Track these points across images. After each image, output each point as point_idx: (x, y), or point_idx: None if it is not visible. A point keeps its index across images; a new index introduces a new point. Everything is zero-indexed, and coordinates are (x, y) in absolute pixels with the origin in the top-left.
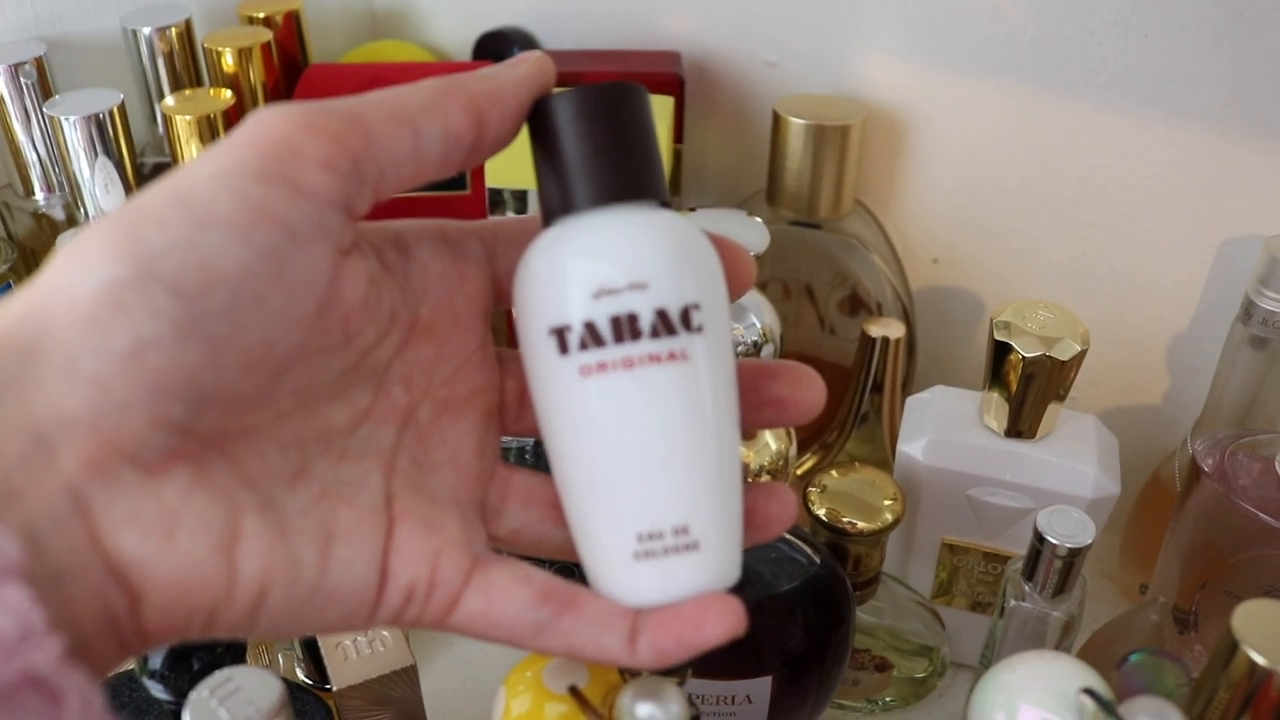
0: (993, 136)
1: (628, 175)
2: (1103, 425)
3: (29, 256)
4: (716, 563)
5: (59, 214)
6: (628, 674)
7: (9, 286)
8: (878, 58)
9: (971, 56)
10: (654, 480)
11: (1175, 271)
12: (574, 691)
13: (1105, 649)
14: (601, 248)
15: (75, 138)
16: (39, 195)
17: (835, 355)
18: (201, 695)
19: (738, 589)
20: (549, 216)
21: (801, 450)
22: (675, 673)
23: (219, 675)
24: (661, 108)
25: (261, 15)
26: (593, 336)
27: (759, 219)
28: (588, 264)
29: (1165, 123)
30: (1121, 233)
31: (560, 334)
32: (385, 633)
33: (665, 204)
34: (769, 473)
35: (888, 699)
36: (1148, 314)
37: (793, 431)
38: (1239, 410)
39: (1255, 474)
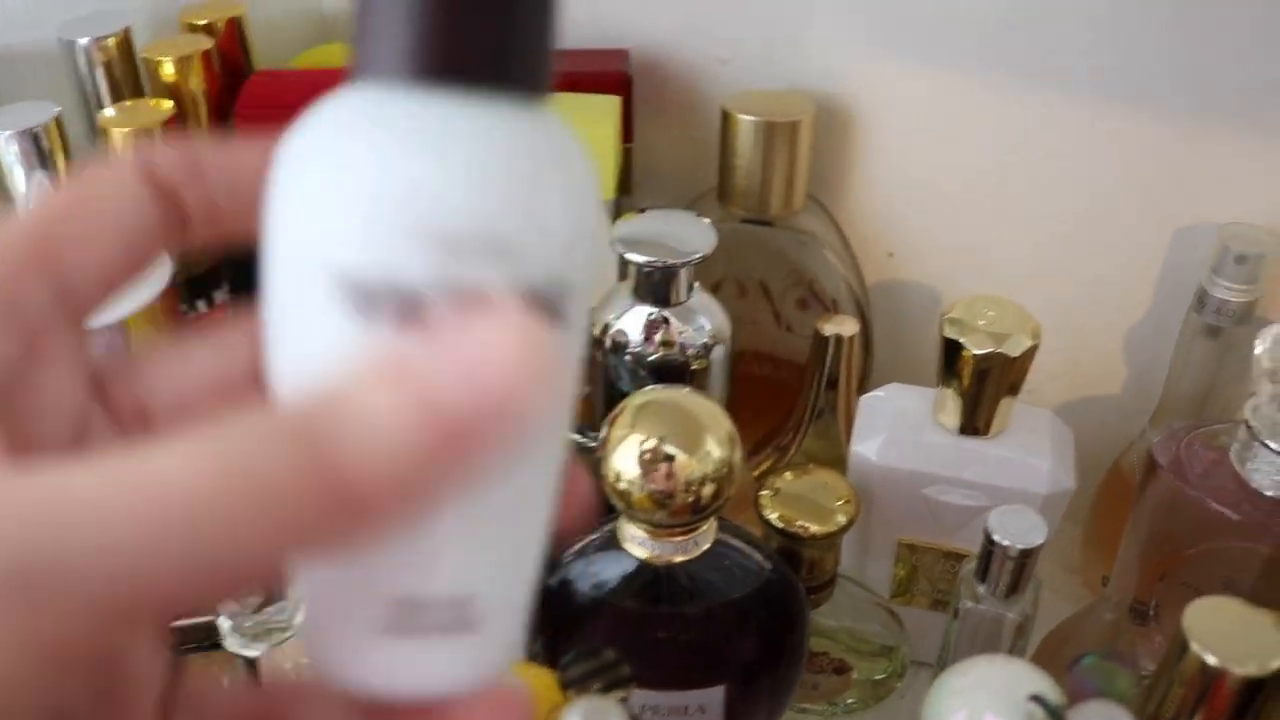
0: (945, 129)
1: (502, 44)
2: (1058, 419)
3: None
4: (497, 648)
5: None
6: (569, 693)
7: None
8: (829, 51)
9: (923, 48)
10: (435, 534)
11: (1130, 262)
12: None
13: (1060, 649)
14: (453, 162)
15: (10, 152)
16: None
17: (792, 353)
18: None
19: (688, 598)
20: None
21: (757, 451)
22: (617, 687)
23: None
24: (609, 107)
25: (203, 22)
26: (408, 309)
27: (707, 219)
28: (432, 185)
29: (1118, 113)
30: (1076, 224)
31: (362, 293)
32: None
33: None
34: (714, 481)
35: (849, 701)
36: (1105, 305)
37: (736, 436)
38: (1195, 400)
39: (1210, 465)
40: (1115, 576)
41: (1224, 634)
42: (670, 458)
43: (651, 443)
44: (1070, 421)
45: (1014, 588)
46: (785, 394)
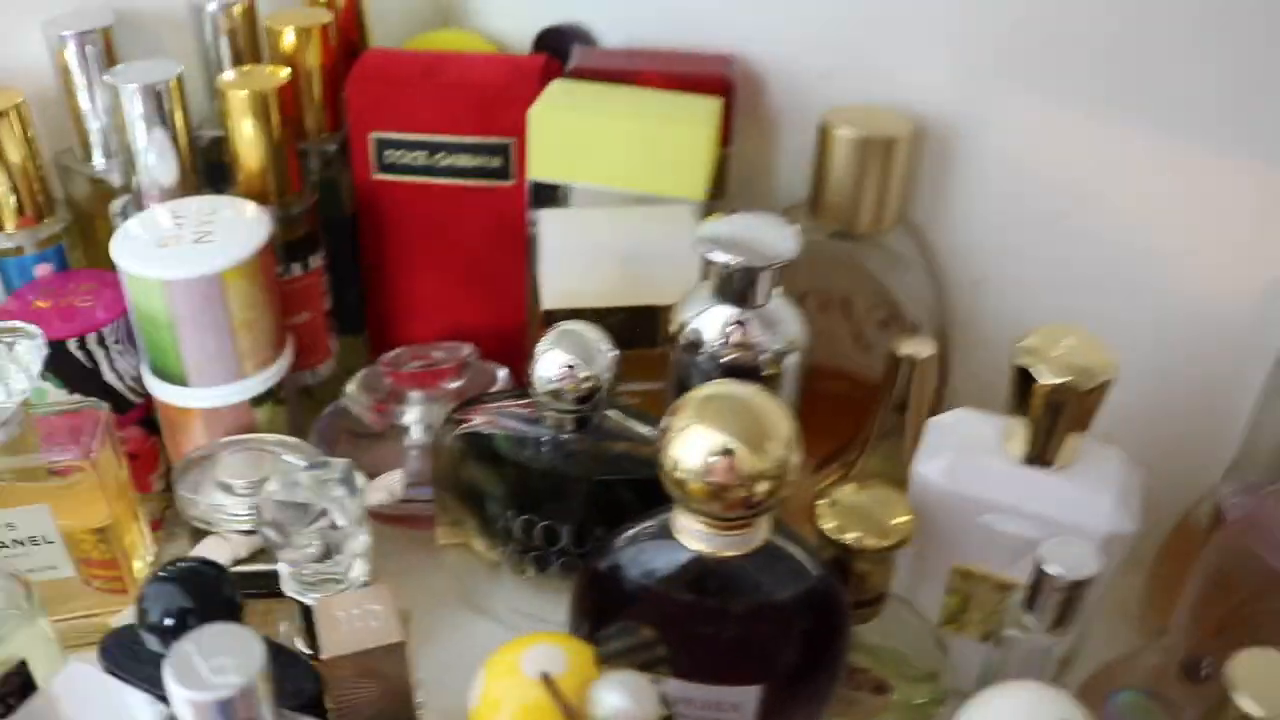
0: (1044, 157)
1: None
2: (1128, 460)
3: (85, 220)
4: None
5: (115, 180)
6: (605, 667)
7: (62, 247)
8: (932, 72)
9: (1028, 74)
10: None
11: (1221, 307)
12: (546, 679)
13: (1103, 688)
14: None
15: (132, 106)
16: (96, 160)
17: (868, 372)
18: (185, 648)
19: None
20: None
21: (822, 466)
22: (653, 667)
23: (205, 631)
24: (710, 107)
25: None
26: None
27: (793, 226)
28: None
29: (1222, 154)
30: (1169, 264)
31: None
32: (377, 606)
33: None
34: (770, 479)
35: None
36: (1190, 349)
37: (798, 437)
38: (1274, 456)
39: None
40: (1172, 628)
41: (1270, 686)
42: (729, 451)
43: (712, 434)
44: (1141, 466)
45: (1061, 620)
46: (857, 413)
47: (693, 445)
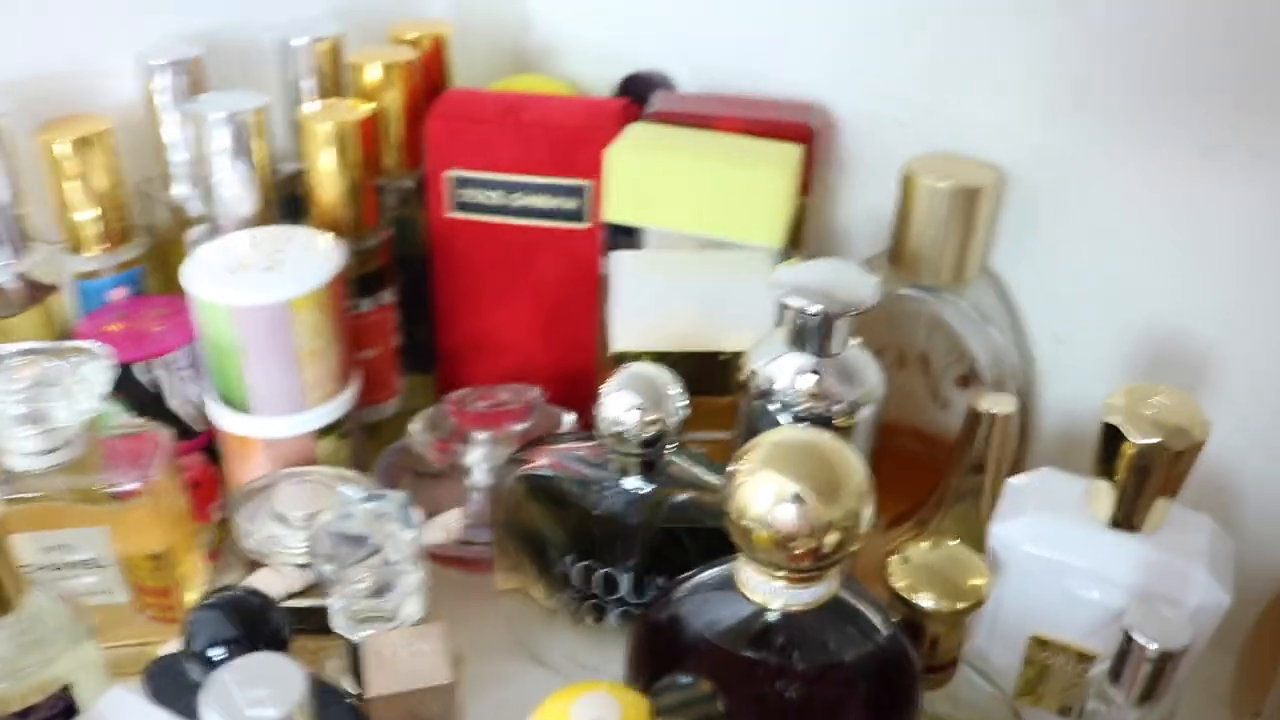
0: (1130, 213)
1: None
2: (1220, 529)
3: (164, 248)
4: None
5: (195, 209)
6: (659, 718)
7: (141, 271)
8: (1014, 121)
9: (1112, 124)
10: None
11: None
12: None
13: None
14: None
15: (213, 136)
16: (177, 189)
17: (945, 431)
18: (223, 677)
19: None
20: None
21: (895, 525)
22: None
23: (246, 660)
24: (790, 154)
25: (410, 37)
26: None
27: (870, 275)
28: None
29: None
30: (1262, 325)
31: None
32: (426, 646)
33: None
34: (840, 530)
35: None
36: None
37: (871, 488)
38: None
39: None
40: (1267, 710)
41: None
42: (799, 498)
43: (781, 481)
44: (1236, 538)
45: (1148, 694)
46: (933, 472)
47: (761, 491)
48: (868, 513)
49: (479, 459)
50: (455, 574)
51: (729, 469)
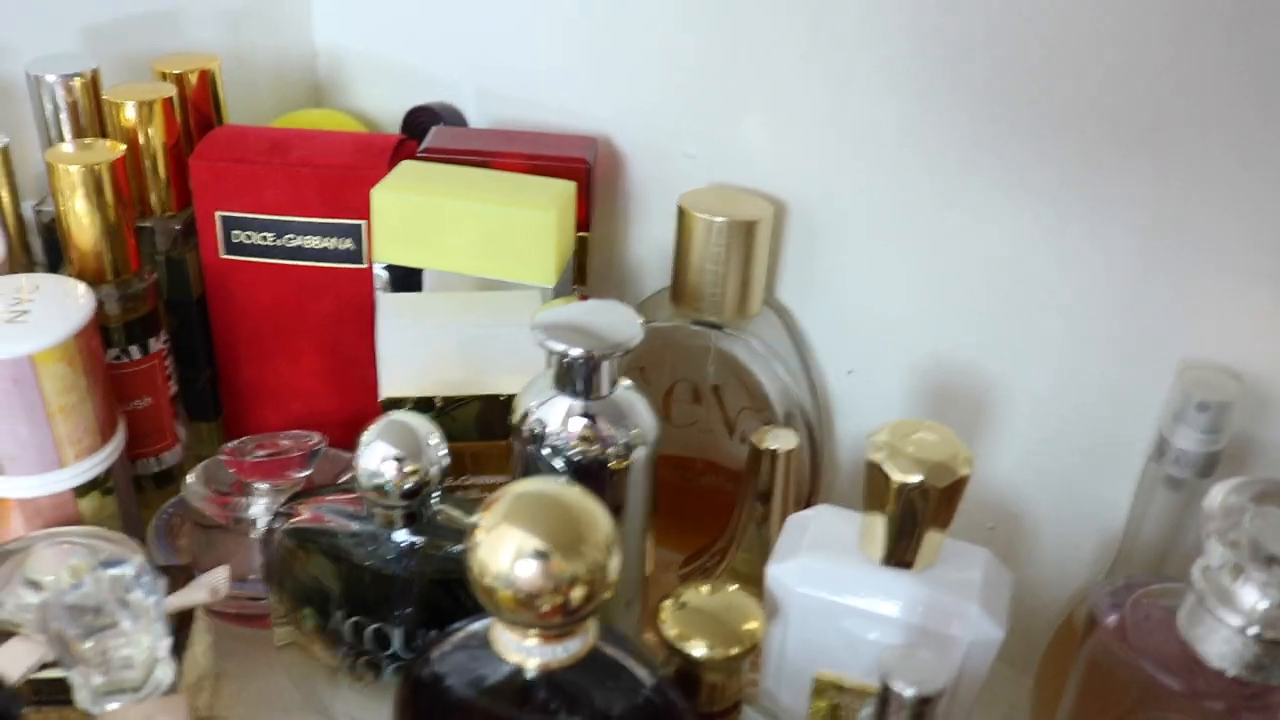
0: (907, 242)
1: None
2: (996, 560)
3: None
4: None
5: None
6: None
7: None
8: (795, 155)
9: (892, 155)
10: None
11: (1094, 396)
12: None
13: None
14: None
15: None
16: None
17: (743, 464)
18: None
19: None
20: None
21: (687, 564)
22: None
23: None
24: (564, 191)
25: (176, 71)
26: None
27: (636, 314)
28: None
29: (1099, 233)
30: (1038, 354)
31: None
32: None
33: None
34: (585, 583)
35: None
36: (1069, 443)
37: (615, 536)
38: (1155, 554)
39: (1155, 627)
40: None
41: None
42: (539, 554)
43: (520, 537)
44: (1026, 567)
45: None
46: (731, 507)
47: (502, 548)
48: (614, 563)
49: (261, 510)
50: (243, 629)
51: (468, 524)
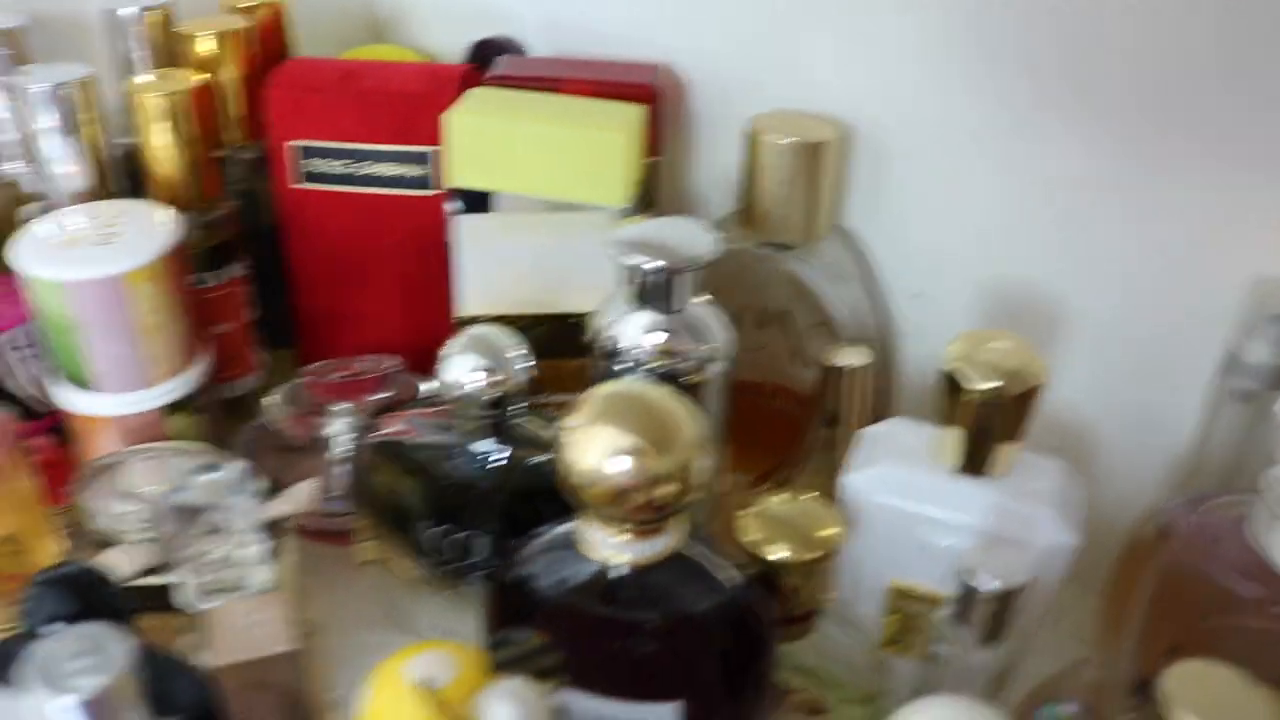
0: (977, 165)
1: None
2: (1071, 471)
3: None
4: None
5: (28, 185)
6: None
7: None
8: (864, 79)
9: (969, 76)
10: None
11: (1162, 316)
12: (421, 688)
13: (1039, 705)
14: None
15: (37, 109)
16: (6, 165)
17: (807, 387)
18: (46, 646)
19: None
20: None
21: (760, 482)
22: (548, 675)
23: (71, 630)
24: (631, 115)
25: (246, 6)
26: None
27: (710, 230)
28: None
29: (1166, 166)
30: (1107, 273)
31: None
32: (269, 614)
33: None
34: (675, 481)
35: None
36: (1135, 363)
37: (705, 438)
38: (1225, 468)
39: (1225, 537)
40: (1123, 649)
41: (1209, 703)
42: (631, 452)
43: (612, 435)
44: (1092, 487)
45: (993, 635)
46: (799, 429)
47: (592, 446)
48: (703, 463)
49: (339, 431)
50: (323, 548)
51: (559, 425)
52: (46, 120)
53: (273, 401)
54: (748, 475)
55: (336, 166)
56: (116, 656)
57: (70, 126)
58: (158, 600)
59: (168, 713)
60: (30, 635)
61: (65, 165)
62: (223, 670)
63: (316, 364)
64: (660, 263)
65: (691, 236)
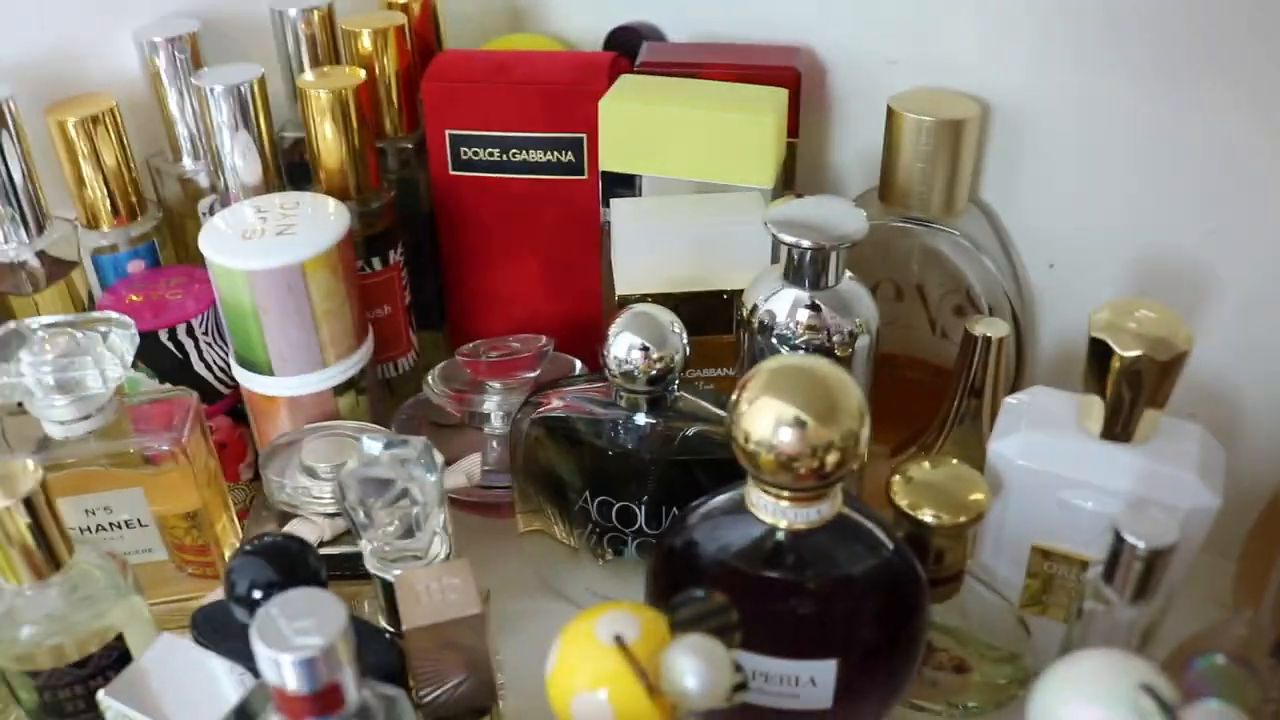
0: (1115, 137)
1: None
2: (1210, 436)
3: (175, 219)
4: None
5: (203, 180)
6: (677, 633)
7: (153, 245)
8: (1000, 55)
9: (1099, 52)
10: None
11: None
12: (619, 642)
13: (1188, 658)
14: None
15: (217, 108)
16: (185, 161)
17: (944, 360)
18: (270, 611)
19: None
20: None
21: (900, 450)
22: (725, 632)
23: (288, 595)
24: (777, 98)
25: (400, 1)
26: None
27: (859, 208)
28: None
29: None
30: (1247, 241)
31: None
32: (456, 580)
33: None
34: (839, 449)
35: (969, 704)
36: (1274, 331)
37: (866, 408)
38: None
39: None
40: (1264, 608)
41: None
42: (800, 421)
43: (781, 406)
44: (1234, 449)
45: (1142, 592)
46: (935, 400)
47: (763, 416)
48: (865, 432)
49: (494, 407)
50: (477, 519)
51: (732, 397)
52: (224, 119)
53: (432, 379)
54: (884, 446)
55: (490, 154)
56: (334, 619)
57: (246, 123)
58: (339, 569)
59: (363, 673)
60: (239, 601)
61: (242, 160)
62: (415, 632)
63: (472, 343)
64: (813, 241)
65: (841, 215)
